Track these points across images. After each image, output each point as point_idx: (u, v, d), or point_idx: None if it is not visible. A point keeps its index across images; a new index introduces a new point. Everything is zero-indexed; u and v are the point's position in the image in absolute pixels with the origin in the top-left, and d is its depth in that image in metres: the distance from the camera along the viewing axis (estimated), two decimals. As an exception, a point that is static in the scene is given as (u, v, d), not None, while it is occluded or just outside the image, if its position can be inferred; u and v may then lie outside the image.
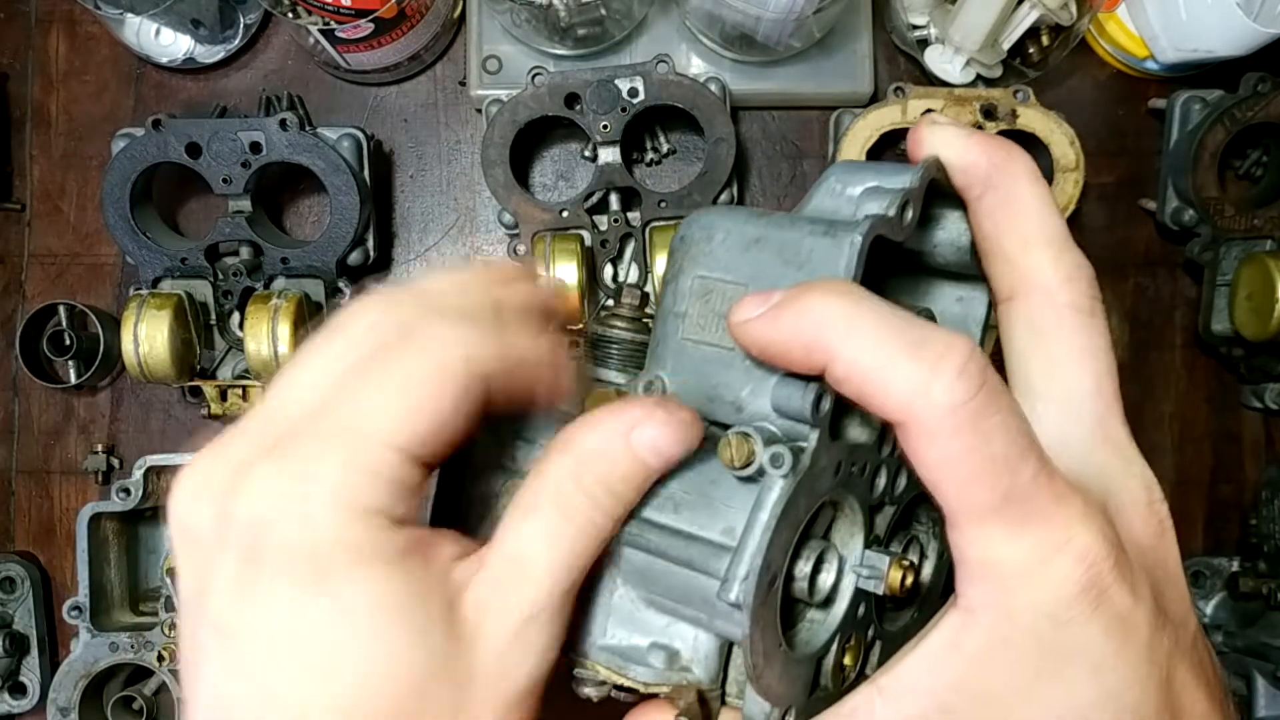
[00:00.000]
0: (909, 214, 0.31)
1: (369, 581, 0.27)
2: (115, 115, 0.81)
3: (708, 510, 0.31)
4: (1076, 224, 0.78)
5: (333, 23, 0.70)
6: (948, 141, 0.33)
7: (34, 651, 0.76)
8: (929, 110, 0.73)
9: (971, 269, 0.35)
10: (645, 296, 0.39)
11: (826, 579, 0.32)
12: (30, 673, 0.76)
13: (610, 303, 0.40)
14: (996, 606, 0.28)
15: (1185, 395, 0.81)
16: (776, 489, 0.29)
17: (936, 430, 0.27)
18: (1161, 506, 0.31)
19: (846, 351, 0.28)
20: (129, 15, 0.76)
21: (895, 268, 0.38)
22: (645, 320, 0.39)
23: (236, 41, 0.79)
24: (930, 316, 0.36)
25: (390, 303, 0.30)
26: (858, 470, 0.32)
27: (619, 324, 0.39)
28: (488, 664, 0.28)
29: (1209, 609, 0.76)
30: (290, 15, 0.73)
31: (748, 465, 0.30)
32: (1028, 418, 0.30)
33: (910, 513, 0.36)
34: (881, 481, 0.33)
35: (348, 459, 0.27)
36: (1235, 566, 0.76)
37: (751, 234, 0.32)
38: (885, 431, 0.33)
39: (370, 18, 0.69)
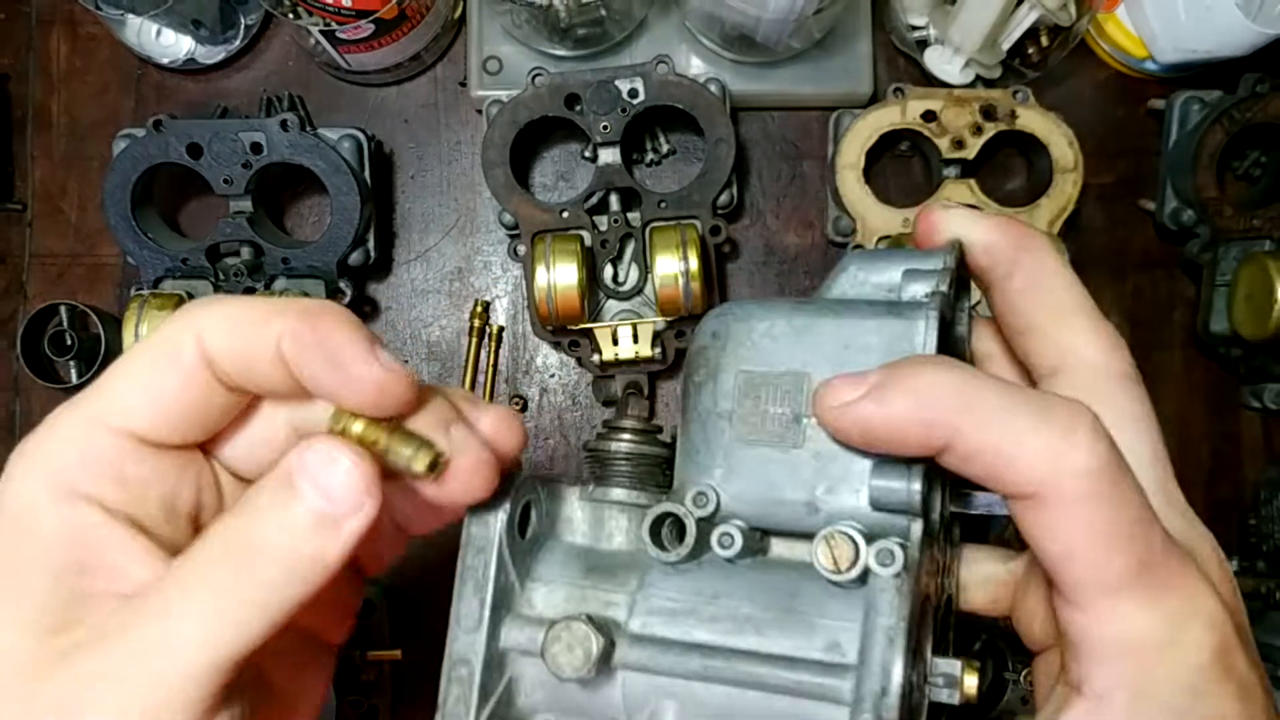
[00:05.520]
0: (950, 293, 0.31)
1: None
2: (116, 116, 0.81)
3: (799, 627, 0.28)
4: (1075, 224, 0.78)
5: (333, 23, 0.71)
6: (967, 224, 0.33)
7: (35, 651, 0.76)
8: (927, 111, 0.73)
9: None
10: (651, 406, 0.37)
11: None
12: (31, 672, 0.76)
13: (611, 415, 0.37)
14: (1132, 686, 0.27)
15: (1184, 396, 0.81)
16: (891, 590, 0.27)
17: (1077, 499, 0.26)
18: (1228, 566, 0.31)
19: (972, 427, 0.26)
20: (130, 16, 0.76)
21: None
22: (654, 431, 0.36)
23: (237, 42, 0.80)
24: None
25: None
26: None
27: (626, 436, 0.35)
28: None
29: (1208, 609, 0.76)
30: (291, 16, 0.73)
31: (852, 568, 0.27)
32: None
33: None
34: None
35: (65, 436, 0.28)
36: (1235, 566, 0.76)
37: (799, 323, 0.30)
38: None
39: (371, 18, 0.69)
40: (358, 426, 0.27)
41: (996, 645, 0.67)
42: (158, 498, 0.28)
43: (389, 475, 0.28)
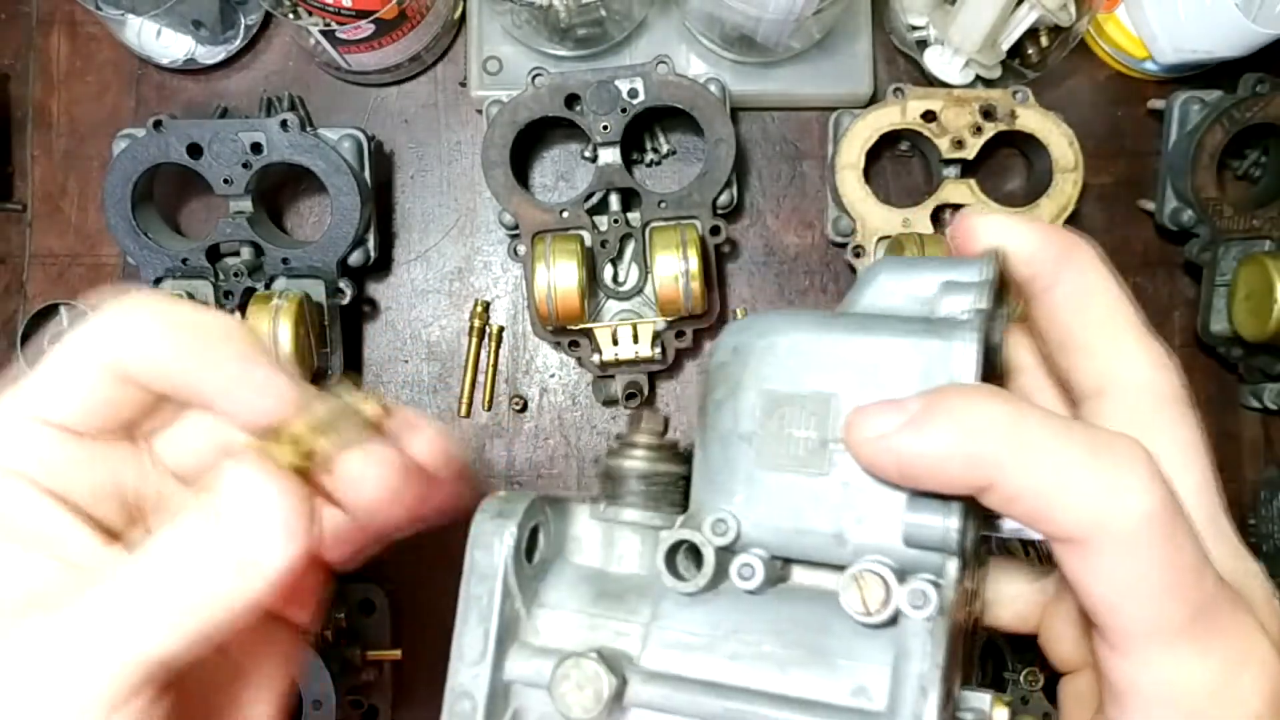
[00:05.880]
0: (991, 309, 0.28)
1: None
2: (116, 116, 0.81)
3: (825, 668, 0.27)
4: (1075, 225, 0.78)
5: (333, 24, 0.71)
6: (1009, 231, 0.30)
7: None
8: (927, 111, 0.73)
9: None
10: (667, 421, 0.34)
11: None
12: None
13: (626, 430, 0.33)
14: None
15: (1184, 395, 0.81)
16: (924, 634, 0.25)
17: (1129, 546, 0.24)
18: (1277, 602, 0.29)
19: (1019, 466, 0.24)
20: (130, 16, 0.76)
21: None
22: (670, 448, 0.33)
23: (237, 42, 0.80)
24: None
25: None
26: None
27: (639, 453, 0.32)
28: None
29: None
30: (291, 16, 0.73)
31: (882, 609, 0.26)
32: None
33: None
34: None
35: None
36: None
37: (827, 339, 0.28)
38: None
39: (371, 19, 0.70)
40: (288, 439, 0.28)
41: (996, 644, 0.67)
42: (88, 483, 0.30)
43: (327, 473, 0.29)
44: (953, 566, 0.26)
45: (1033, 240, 0.30)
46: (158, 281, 0.72)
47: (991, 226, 0.31)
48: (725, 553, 0.29)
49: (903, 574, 0.26)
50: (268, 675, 0.33)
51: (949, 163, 0.74)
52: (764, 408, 0.28)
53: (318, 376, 0.73)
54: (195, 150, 0.71)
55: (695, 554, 0.29)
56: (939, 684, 0.25)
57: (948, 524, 0.26)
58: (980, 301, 0.28)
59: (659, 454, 0.33)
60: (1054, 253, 0.30)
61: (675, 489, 0.33)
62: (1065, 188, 0.73)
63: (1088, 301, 0.30)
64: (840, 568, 0.27)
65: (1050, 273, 0.30)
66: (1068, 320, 0.30)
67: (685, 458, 0.33)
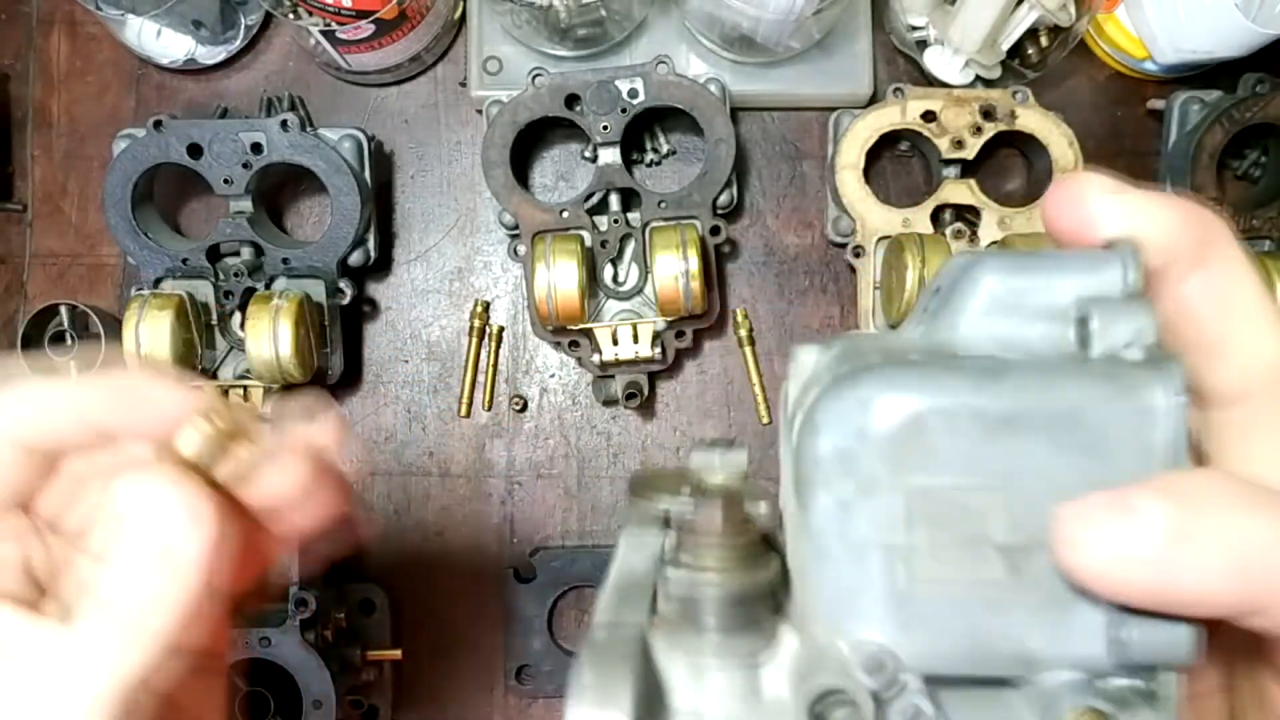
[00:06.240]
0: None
1: None
2: (116, 116, 0.81)
3: None
4: (1075, 224, 0.78)
5: (334, 24, 0.71)
6: (1140, 214, 0.25)
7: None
8: (927, 111, 0.73)
9: None
10: (740, 505, 0.25)
11: None
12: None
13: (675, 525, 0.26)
14: None
15: (1184, 395, 0.81)
16: None
17: None
18: None
19: None
20: (130, 16, 0.76)
21: None
22: (751, 548, 0.25)
23: (237, 42, 0.80)
24: None
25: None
26: None
27: (716, 570, 0.24)
28: None
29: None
30: (291, 16, 0.73)
31: None
32: None
33: None
34: None
35: None
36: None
37: (986, 410, 0.22)
38: None
39: (371, 19, 0.70)
40: (192, 446, 0.28)
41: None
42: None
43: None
44: (1176, 686, 0.21)
45: (1171, 226, 0.25)
46: (158, 282, 0.72)
47: (1119, 211, 0.25)
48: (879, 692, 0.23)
49: (1110, 694, 0.22)
50: (210, 708, 0.34)
51: (949, 163, 0.74)
52: (913, 508, 0.22)
53: (318, 377, 0.73)
54: (195, 150, 0.71)
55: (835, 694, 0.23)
56: None
57: (1187, 642, 0.21)
58: (1150, 332, 0.22)
59: (743, 566, 0.24)
60: (1195, 239, 0.25)
61: (768, 596, 0.26)
62: (1065, 188, 0.73)
63: (1228, 294, 0.26)
64: (1014, 682, 0.23)
65: (1189, 261, 0.25)
66: (1202, 316, 0.26)
67: (767, 543, 0.26)
